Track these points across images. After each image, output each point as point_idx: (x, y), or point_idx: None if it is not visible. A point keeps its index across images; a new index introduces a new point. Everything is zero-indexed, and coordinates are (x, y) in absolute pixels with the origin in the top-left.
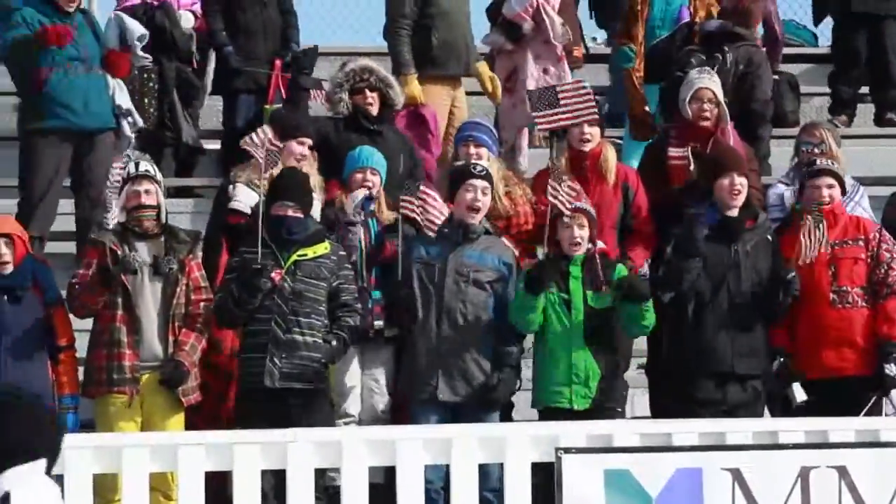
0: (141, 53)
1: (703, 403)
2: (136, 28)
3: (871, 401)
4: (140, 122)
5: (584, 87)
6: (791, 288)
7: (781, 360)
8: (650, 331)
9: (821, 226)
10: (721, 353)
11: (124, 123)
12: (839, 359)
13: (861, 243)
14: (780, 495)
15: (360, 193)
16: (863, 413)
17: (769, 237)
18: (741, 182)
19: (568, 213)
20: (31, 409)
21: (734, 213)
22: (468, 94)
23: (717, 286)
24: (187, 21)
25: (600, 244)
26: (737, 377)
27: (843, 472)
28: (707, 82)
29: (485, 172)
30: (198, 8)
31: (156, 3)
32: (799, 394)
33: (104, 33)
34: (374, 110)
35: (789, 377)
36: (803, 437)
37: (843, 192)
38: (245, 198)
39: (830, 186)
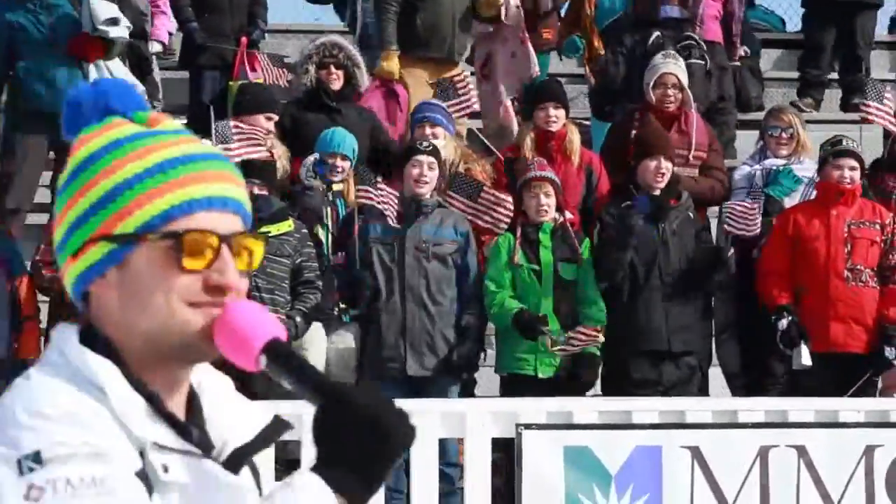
0: (114, 34)
1: (638, 384)
2: (103, 11)
3: (862, 379)
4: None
5: (505, 203)
6: (722, 263)
7: (791, 318)
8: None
9: None
10: (656, 331)
11: None
12: (847, 334)
13: (877, 227)
14: (739, 474)
15: (311, 158)
16: (851, 391)
17: (691, 214)
18: (666, 166)
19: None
20: None
21: (657, 192)
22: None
23: (649, 266)
24: None
25: (568, 214)
26: (672, 355)
27: (801, 451)
28: (672, 67)
29: (431, 148)
30: None
31: None
32: (805, 357)
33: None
34: (337, 87)
35: (799, 337)
36: (763, 416)
37: (863, 176)
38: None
39: (853, 168)
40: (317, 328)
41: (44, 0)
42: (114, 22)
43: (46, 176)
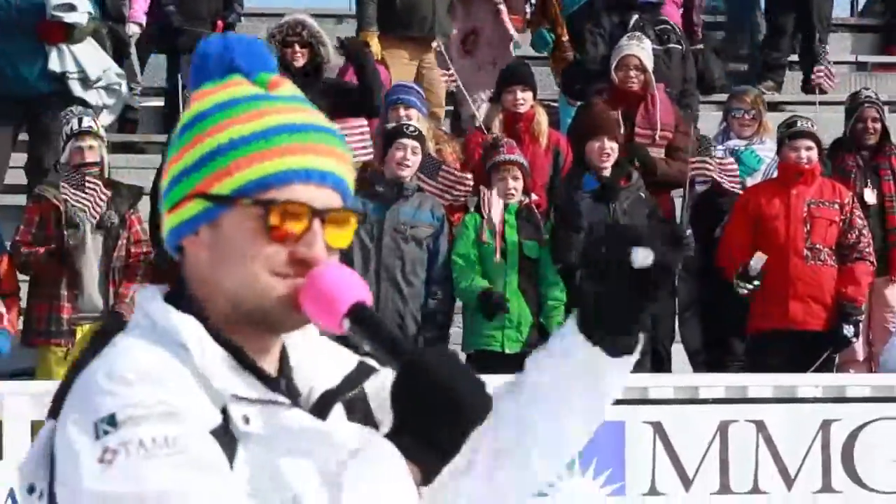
0: (70, 19)
1: None
2: None
3: (822, 357)
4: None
5: (464, 181)
6: (681, 239)
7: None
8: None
9: None
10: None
11: (75, 86)
12: (806, 312)
13: (836, 206)
14: (699, 448)
15: None
16: (812, 368)
17: (643, 194)
18: (611, 146)
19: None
20: None
21: (607, 173)
22: None
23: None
24: None
25: (534, 196)
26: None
27: (760, 426)
28: (635, 49)
29: (416, 133)
30: None
31: None
32: (758, 260)
33: None
34: (300, 64)
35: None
36: (723, 392)
37: (821, 156)
38: None
39: (809, 148)
40: None
41: None
42: (70, 7)
43: (19, 158)
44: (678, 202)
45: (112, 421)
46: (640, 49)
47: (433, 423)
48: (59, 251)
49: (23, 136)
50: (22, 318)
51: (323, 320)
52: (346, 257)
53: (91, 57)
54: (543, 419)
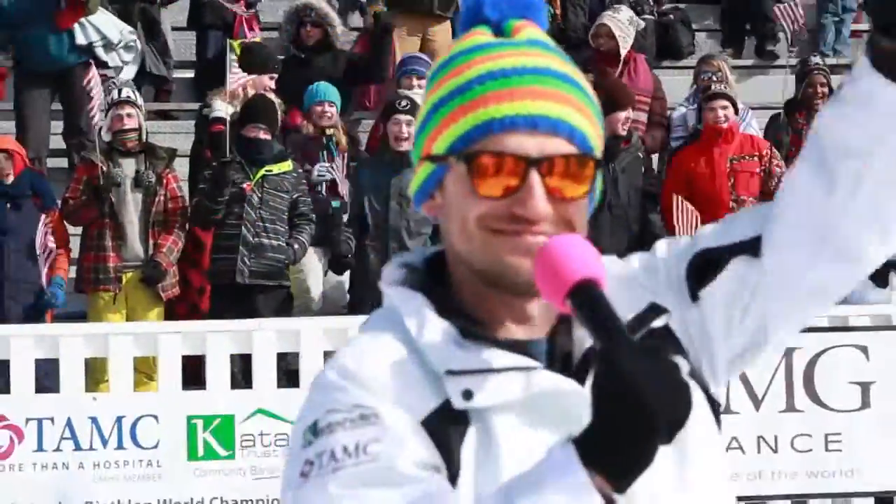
0: None
1: None
2: None
3: None
4: (126, 57)
5: None
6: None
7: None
8: None
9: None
10: (605, 254)
11: (102, 53)
12: None
13: (756, 159)
14: None
15: (326, 174)
16: None
17: (640, 154)
18: (629, 115)
19: None
20: None
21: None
22: None
23: (600, 200)
24: None
25: None
26: None
27: None
28: (606, 19)
29: (409, 107)
30: None
31: None
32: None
33: None
34: (311, 42)
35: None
36: None
37: (736, 112)
38: (222, 108)
39: (724, 108)
40: (312, 257)
41: None
42: None
43: (57, 125)
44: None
45: (314, 430)
46: (612, 18)
47: (616, 428)
48: (103, 207)
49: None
50: (74, 267)
51: (547, 292)
52: (361, 221)
53: (108, 23)
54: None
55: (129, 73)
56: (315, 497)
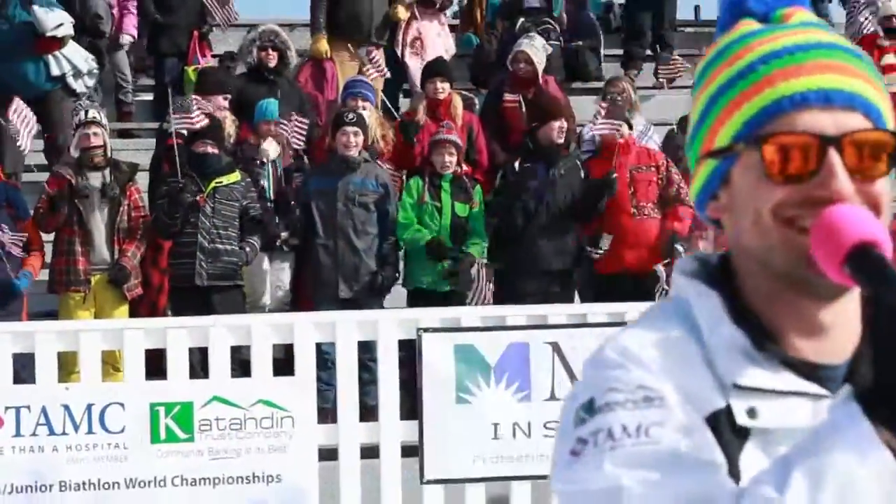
0: (62, 33)
1: (527, 294)
2: (50, 20)
3: (660, 291)
4: (89, 83)
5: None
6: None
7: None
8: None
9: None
10: (543, 254)
11: (72, 81)
12: (636, 257)
13: (653, 169)
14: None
15: (273, 153)
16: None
17: (578, 162)
18: (562, 126)
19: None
20: None
21: (554, 140)
22: None
23: (539, 202)
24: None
25: (465, 167)
26: (554, 273)
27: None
28: (524, 46)
29: (355, 119)
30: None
31: None
32: (605, 242)
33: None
34: (272, 64)
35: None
36: (607, 318)
37: (631, 129)
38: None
39: (621, 126)
40: (262, 259)
41: (2, 11)
42: (60, 26)
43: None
44: None
45: (590, 408)
46: (530, 46)
47: None
48: (68, 215)
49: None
50: (47, 270)
51: (824, 260)
52: (308, 224)
53: (76, 54)
54: None
55: (85, 88)
56: (588, 475)
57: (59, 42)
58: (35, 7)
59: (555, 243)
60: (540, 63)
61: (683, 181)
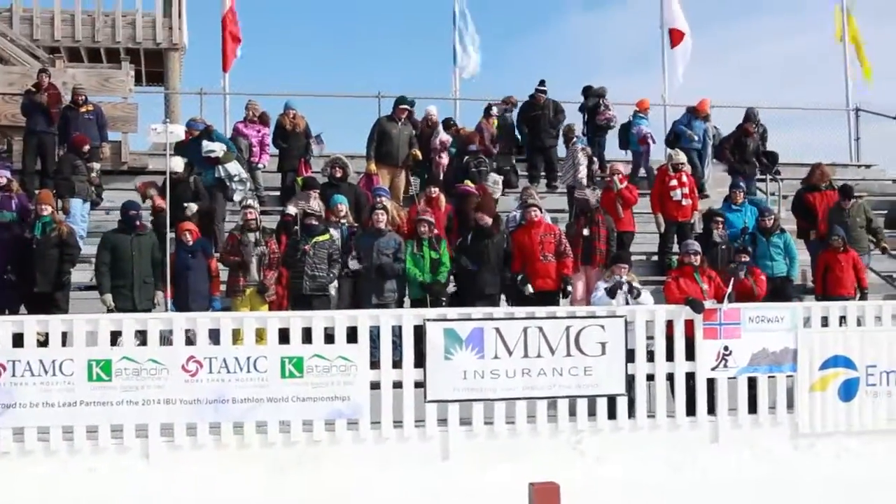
0: (214, 153)
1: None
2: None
3: (566, 299)
4: (240, 187)
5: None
6: (522, 283)
7: (521, 276)
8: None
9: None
10: (484, 286)
11: (229, 184)
12: (542, 284)
13: (552, 235)
14: (517, 341)
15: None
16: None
17: (505, 235)
18: (486, 219)
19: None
20: None
21: (487, 223)
22: None
23: (485, 260)
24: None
25: (435, 231)
26: (488, 296)
27: (542, 329)
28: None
29: (382, 207)
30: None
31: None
32: (529, 289)
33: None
34: (339, 175)
35: (525, 282)
36: (525, 314)
37: (541, 211)
38: (292, 206)
39: (534, 210)
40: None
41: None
42: (212, 151)
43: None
44: None
45: None
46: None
47: None
48: (240, 254)
49: None
50: (224, 285)
51: None
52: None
53: (233, 167)
54: None
55: (240, 194)
56: None
57: (217, 159)
58: (204, 140)
59: (489, 281)
60: (494, 192)
61: (567, 244)
